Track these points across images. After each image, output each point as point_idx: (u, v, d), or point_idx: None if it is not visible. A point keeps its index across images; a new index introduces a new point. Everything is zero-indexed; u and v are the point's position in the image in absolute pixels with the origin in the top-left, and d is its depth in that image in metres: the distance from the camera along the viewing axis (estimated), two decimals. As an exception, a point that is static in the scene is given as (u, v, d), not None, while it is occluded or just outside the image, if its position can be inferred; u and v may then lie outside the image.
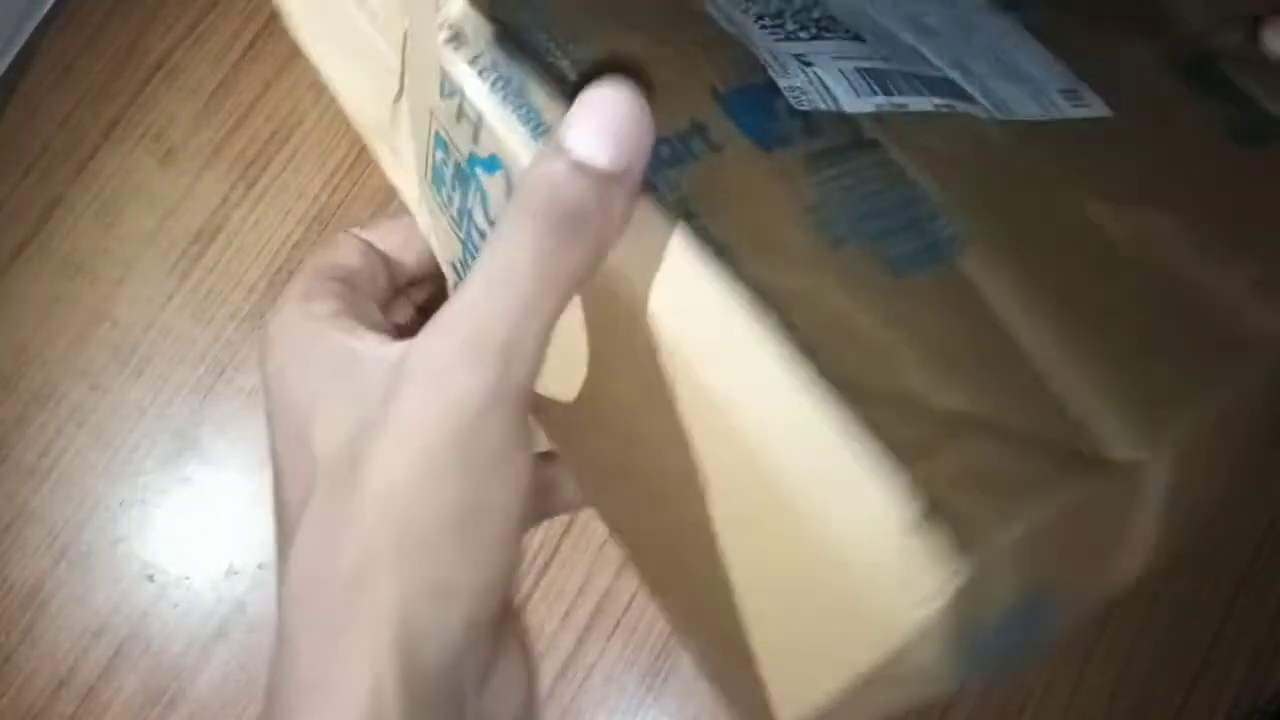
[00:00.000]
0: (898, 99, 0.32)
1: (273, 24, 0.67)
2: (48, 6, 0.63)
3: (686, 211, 0.24)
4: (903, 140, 0.30)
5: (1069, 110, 0.32)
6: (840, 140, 0.30)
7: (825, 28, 0.34)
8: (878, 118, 0.31)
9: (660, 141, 0.25)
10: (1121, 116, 0.32)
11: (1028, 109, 0.32)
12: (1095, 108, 0.32)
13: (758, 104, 0.30)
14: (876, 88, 0.32)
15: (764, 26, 0.32)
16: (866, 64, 0.33)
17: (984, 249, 0.28)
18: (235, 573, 0.54)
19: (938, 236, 0.28)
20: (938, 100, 0.32)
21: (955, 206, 0.29)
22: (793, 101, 0.31)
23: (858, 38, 0.33)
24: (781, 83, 0.31)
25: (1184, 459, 0.26)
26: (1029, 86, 0.33)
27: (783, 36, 0.33)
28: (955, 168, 0.30)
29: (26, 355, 0.56)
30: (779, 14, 0.33)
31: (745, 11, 0.33)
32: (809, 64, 0.33)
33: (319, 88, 0.65)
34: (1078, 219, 0.30)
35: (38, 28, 0.63)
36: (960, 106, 0.31)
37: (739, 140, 0.27)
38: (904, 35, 0.34)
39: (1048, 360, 0.25)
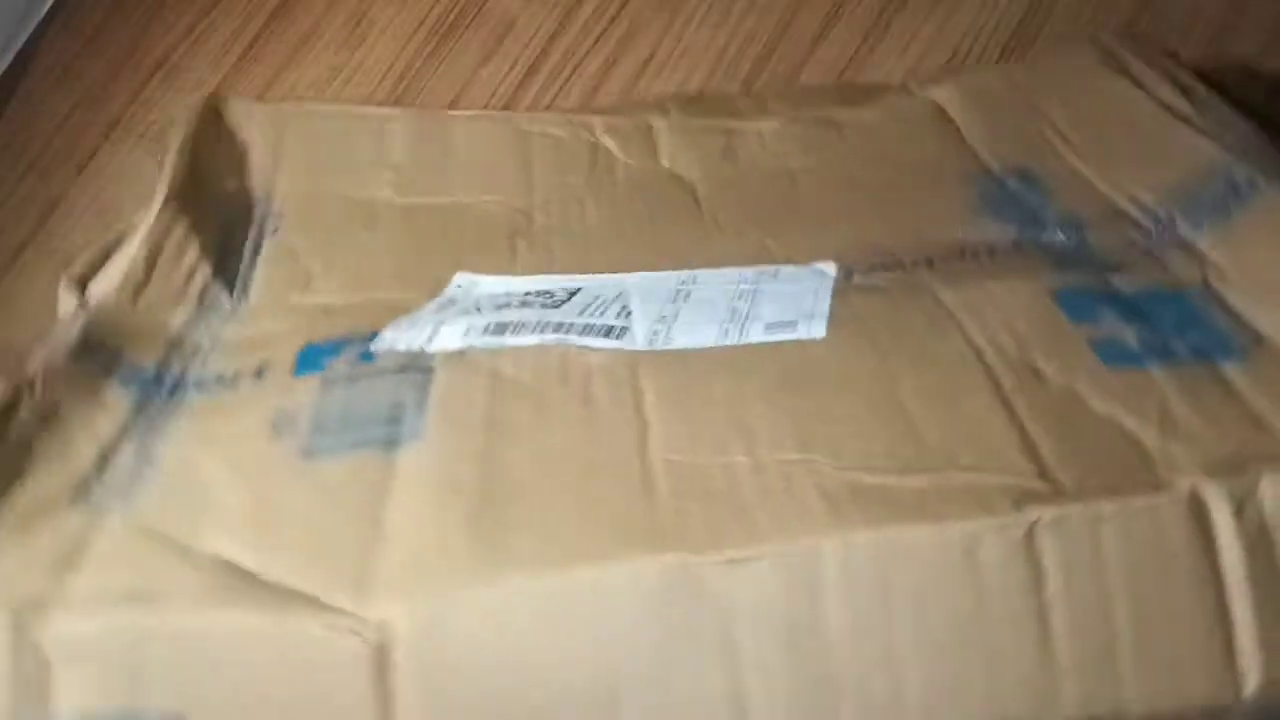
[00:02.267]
0: (496, 339, 0.42)
1: (273, 24, 0.67)
2: (47, 6, 0.63)
3: None
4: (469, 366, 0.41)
5: (756, 337, 0.40)
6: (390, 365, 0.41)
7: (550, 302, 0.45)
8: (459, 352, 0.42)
9: None
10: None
11: (700, 340, 0.41)
12: (802, 332, 0.40)
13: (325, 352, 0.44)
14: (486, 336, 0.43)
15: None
16: (501, 319, 0.44)
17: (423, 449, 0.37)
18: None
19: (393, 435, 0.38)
20: (546, 338, 0.41)
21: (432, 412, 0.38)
22: (372, 346, 0.43)
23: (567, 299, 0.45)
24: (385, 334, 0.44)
25: None
26: (723, 325, 0.42)
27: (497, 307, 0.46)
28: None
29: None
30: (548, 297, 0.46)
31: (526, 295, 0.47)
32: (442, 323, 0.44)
33: (318, 87, 0.65)
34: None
35: (37, 28, 0.63)
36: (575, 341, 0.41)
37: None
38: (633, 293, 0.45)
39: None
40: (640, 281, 0.46)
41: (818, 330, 0.39)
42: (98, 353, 0.42)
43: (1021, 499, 0.30)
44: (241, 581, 0.32)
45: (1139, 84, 0.50)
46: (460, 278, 0.48)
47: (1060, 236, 0.45)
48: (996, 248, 0.45)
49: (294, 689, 0.30)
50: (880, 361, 0.37)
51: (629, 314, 0.42)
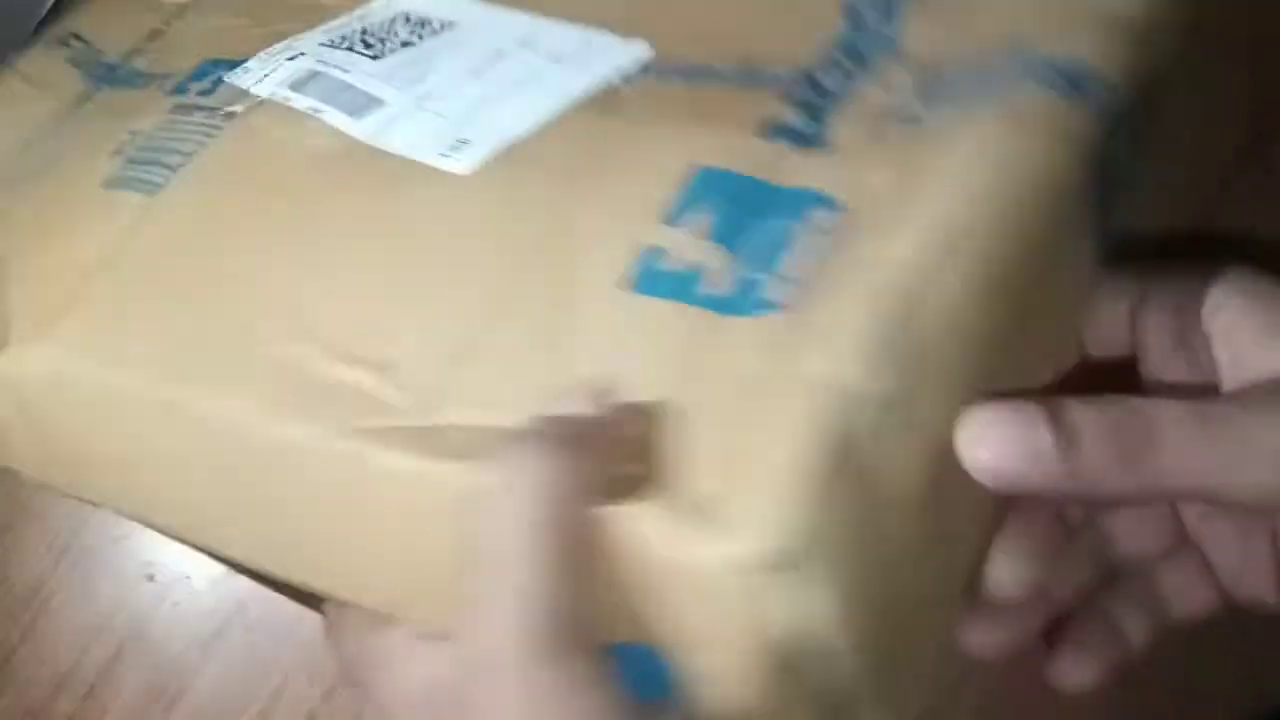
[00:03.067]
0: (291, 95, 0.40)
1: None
2: (47, 7, 0.63)
3: None
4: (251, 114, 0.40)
5: (425, 156, 0.35)
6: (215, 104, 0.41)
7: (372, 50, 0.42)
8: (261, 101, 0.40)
9: None
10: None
11: (395, 144, 0.36)
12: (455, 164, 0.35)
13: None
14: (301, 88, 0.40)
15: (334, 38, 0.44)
16: (319, 69, 0.41)
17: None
18: (236, 573, 0.54)
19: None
20: (312, 103, 0.39)
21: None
22: (227, 76, 0.43)
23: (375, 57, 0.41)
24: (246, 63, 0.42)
25: None
26: (442, 126, 0.37)
27: (331, 45, 0.43)
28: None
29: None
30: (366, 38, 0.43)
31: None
32: (292, 58, 0.42)
33: None
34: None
35: (37, 27, 0.63)
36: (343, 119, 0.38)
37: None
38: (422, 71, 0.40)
39: None
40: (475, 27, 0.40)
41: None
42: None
43: None
44: None
45: None
46: None
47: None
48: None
49: None
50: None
51: (411, 82, 0.39)
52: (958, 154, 0.29)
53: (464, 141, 0.35)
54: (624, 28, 0.37)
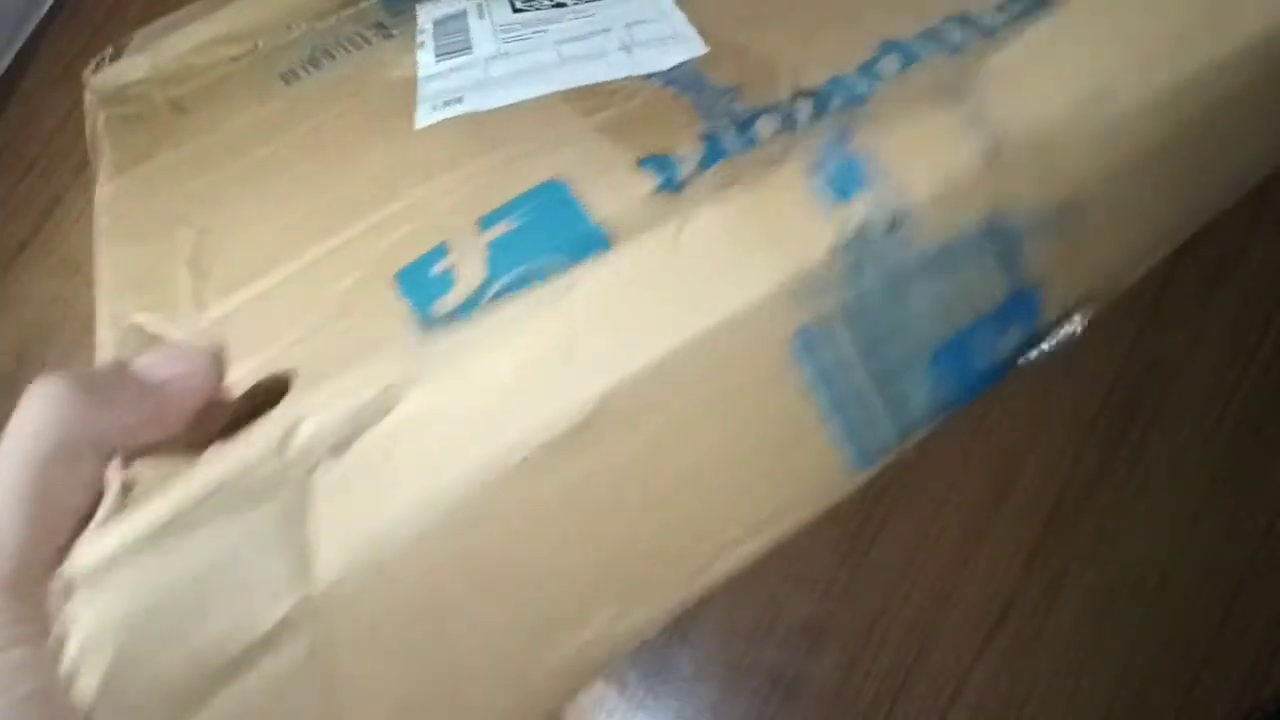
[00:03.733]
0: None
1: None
2: (47, 6, 0.63)
3: None
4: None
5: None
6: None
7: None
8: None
9: None
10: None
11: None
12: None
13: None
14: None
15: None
16: (464, 7, 0.44)
17: None
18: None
19: None
20: (428, 38, 0.43)
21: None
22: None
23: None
24: None
25: None
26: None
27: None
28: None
29: (27, 355, 0.56)
30: None
31: None
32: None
33: None
34: None
35: (38, 28, 0.63)
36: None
37: None
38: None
39: None
40: None
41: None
42: None
43: None
44: None
45: None
46: None
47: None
48: None
49: None
50: None
51: (512, 39, 0.42)
52: None
53: (456, 100, 0.37)
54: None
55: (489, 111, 0.36)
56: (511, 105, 0.36)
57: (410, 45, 0.43)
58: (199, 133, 0.42)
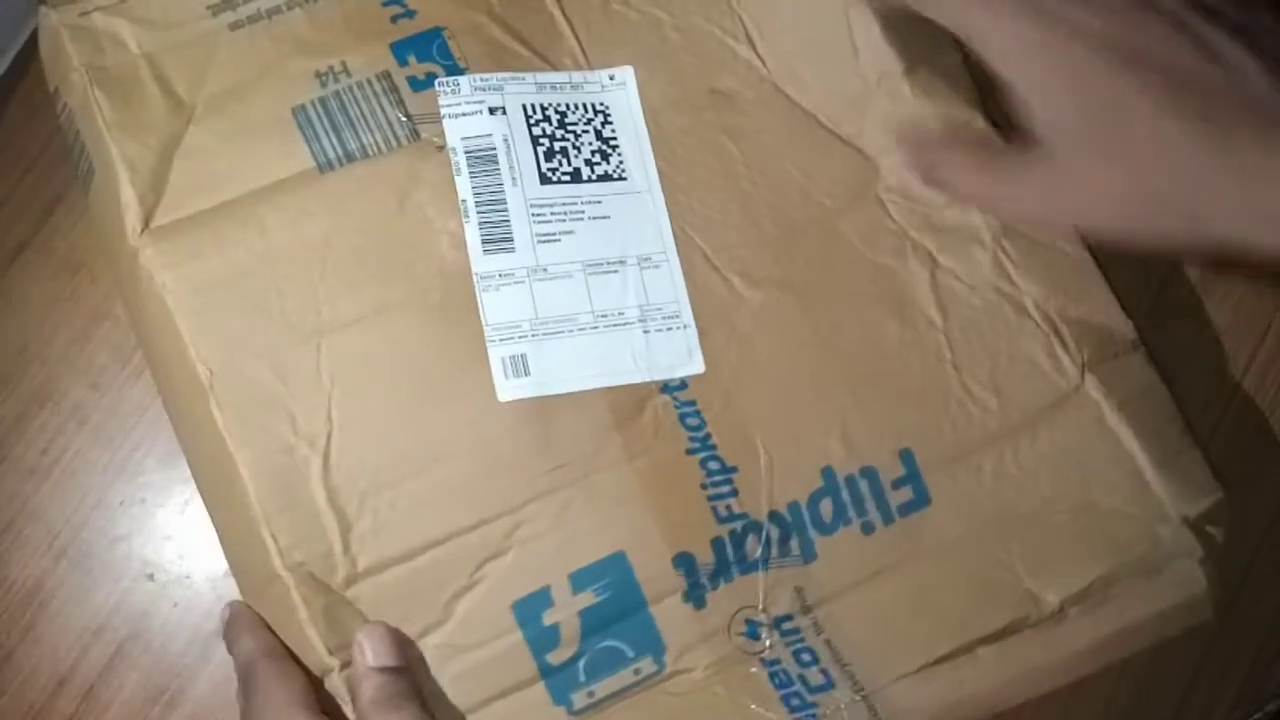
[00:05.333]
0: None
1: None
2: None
3: None
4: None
5: None
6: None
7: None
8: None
9: None
10: None
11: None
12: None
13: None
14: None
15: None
16: (496, 146, 0.44)
17: None
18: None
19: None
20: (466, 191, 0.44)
21: None
22: (439, 82, 0.44)
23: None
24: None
25: None
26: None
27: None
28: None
29: (26, 355, 0.56)
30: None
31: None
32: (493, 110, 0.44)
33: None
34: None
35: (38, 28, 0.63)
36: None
37: None
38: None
39: None
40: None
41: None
42: None
43: None
44: None
45: None
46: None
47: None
48: None
49: None
50: None
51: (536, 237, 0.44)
52: None
53: (523, 365, 0.43)
54: None
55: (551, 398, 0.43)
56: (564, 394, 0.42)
57: (445, 165, 0.44)
58: (244, 235, 0.43)
